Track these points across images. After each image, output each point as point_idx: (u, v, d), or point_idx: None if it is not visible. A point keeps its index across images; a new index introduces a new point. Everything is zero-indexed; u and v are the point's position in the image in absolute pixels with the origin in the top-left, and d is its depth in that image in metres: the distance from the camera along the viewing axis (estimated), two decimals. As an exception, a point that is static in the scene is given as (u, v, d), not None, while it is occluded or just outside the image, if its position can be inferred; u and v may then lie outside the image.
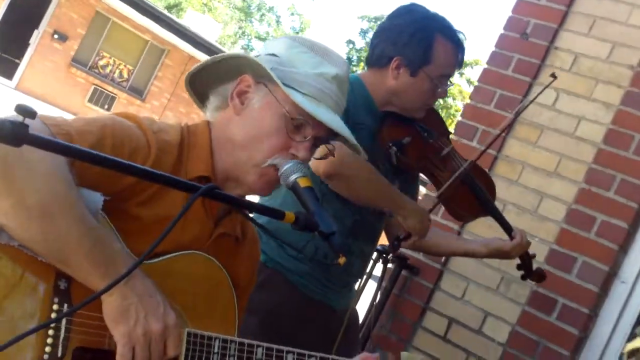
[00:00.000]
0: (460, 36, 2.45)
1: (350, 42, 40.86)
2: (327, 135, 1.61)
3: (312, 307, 2.44)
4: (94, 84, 19.43)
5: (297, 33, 45.93)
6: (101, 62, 19.81)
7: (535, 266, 2.83)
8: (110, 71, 20.05)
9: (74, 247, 1.30)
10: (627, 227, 3.16)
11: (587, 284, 3.16)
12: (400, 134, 2.43)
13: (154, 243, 1.23)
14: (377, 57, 2.44)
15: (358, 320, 2.75)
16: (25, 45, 17.99)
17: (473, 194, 2.56)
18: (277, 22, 46.35)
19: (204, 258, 1.58)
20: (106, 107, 19.78)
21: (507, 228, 2.67)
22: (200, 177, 1.56)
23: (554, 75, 2.63)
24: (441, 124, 2.64)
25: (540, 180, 3.41)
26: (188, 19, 24.85)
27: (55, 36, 18.24)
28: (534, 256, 2.80)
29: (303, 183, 1.51)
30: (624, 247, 3.20)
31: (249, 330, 2.29)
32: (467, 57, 2.66)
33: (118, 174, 1.40)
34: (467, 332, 3.36)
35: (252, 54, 1.62)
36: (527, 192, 3.42)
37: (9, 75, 17.94)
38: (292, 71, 1.57)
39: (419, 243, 2.52)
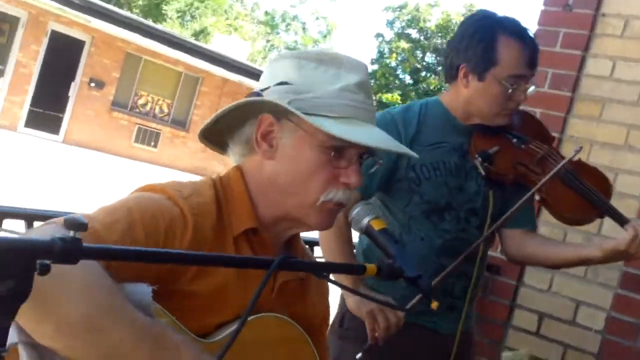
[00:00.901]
0: (528, 33, 2.32)
1: (379, 35, 40.58)
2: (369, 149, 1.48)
3: (415, 333, 2.35)
4: (137, 124, 19.71)
5: (325, 37, 46.01)
6: (140, 101, 20.10)
7: None
8: (151, 108, 20.32)
9: (131, 355, 1.21)
10: None
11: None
12: (488, 144, 2.36)
13: (234, 330, 1.13)
14: (447, 70, 2.40)
15: (471, 344, 2.61)
16: (65, 98, 18.36)
17: (576, 193, 2.37)
18: (304, 29, 46.43)
19: (273, 318, 1.48)
20: (152, 144, 20.04)
21: (622, 223, 2.37)
22: (247, 230, 1.46)
23: (579, 150, 2.38)
24: (538, 128, 2.53)
25: (611, 156, 3.26)
26: (216, 43, 25.04)
27: (92, 84, 18.57)
28: None
29: (377, 225, 1.41)
30: None
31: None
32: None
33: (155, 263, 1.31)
34: (560, 325, 3.22)
35: (261, 86, 1.48)
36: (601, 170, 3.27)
37: (55, 130, 18.33)
38: (312, 97, 1.42)
39: (527, 257, 2.49)
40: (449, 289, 2.40)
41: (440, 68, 40.91)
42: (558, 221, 2.55)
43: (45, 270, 0.92)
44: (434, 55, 40.74)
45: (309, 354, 1.55)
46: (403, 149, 1.53)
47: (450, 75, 2.38)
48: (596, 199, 2.35)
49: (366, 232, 1.43)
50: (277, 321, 1.48)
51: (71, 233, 0.95)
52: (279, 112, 1.43)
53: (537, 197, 2.46)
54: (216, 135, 1.56)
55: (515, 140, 2.42)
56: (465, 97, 2.35)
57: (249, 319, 1.39)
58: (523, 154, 2.41)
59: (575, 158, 2.39)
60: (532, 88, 2.32)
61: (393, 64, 40.61)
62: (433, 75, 40.15)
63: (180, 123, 20.88)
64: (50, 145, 16.99)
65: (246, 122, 1.48)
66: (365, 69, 1.51)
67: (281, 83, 1.43)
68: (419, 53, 40.42)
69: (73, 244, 0.94)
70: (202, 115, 20.93)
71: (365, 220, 1.42)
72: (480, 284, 2.53)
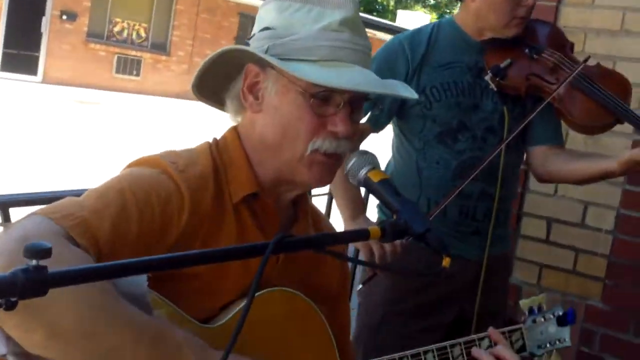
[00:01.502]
0: None
1: None
2: (363, 93, 1.36)
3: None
4: (116, 53, 19.29)
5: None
6: (116, 29, 19.60)
7: None
8: (128, 35, 19.85)
9: (130, 357, 1.12)
10: None
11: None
12: (500, 58, 2.29)
13: (240, 318, 1.03)
14: None
15: (506, 268, 2.60)
16: (37, 35, 17.88)
17: (591, 99, 2.25)
18: None
19: (279, 292, 1.38)
20: (134, 72, 19.67)
21: None
22: (247, 196, 1.37)
23: (588, 58, 2.27)
24: (555, 36, 2.42)
25: (607, 44, 3.05)
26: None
27: (64, 17, 18.06)
28: None
29: (376, 177, 1.29)
30: None
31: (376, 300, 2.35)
32: None
33: (155, 241, 1.22)
34: (570, 229, 3.11)
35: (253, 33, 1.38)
36: (596, 60, 3.06)
37: (32, 70, 17.93)
38: (291, 40, 1.31)
39: (553, 175, 2.41)
40: (470, 212, 2.33)
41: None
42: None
43: (11, 306, 0.84)
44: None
45: (318, 325, 1.45)
46: (390, 89, 1.42)
47: None
48: (612, 103, 2.23)
49: (365, 184, 1.32)
50: (283, 295, 1.39)
51: (33, 262, 0.83)
52: (263, 61, 1.33)
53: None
54: (213, 92, 1.48)
55: (527, 50, 2.33)
56: (474, 10, 2.30)
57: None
58: (536, 65, 2.32)
59: (590, 63, 2.28)
60: None
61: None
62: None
63: (160, 47, 20.42)
64: (29, 87, 16.62)
65: (237, 75, 1.40)
66: (353, 4, 1.37)
67: (264, 29, 1.36)
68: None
69: (37, 275, 0.84)
70: (181, 36, 20.45)
71: (363, 172, 1.31)
72: (506, 205, 2.43)
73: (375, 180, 1.29)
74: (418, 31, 2.38)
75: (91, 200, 1.21)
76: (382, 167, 2.50)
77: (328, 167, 1.37)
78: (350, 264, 2.37)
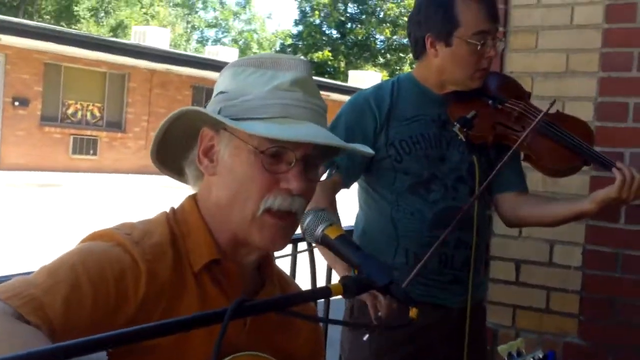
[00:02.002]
0: None
1: (299, -6, 40.15)
2: (319, 150, 1.35)
3: (425, 310, 2.23)
4: (72, 134, 19.20)
5: (244, 7, 45.28)
6: (69, 111, 19.55)
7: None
8: (82, 116, 19.81)
9: None
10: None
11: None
12: (463, 110, 2.34)
13: None
14: (414, 45, 2.41)
15: (482, 315, 2.56)
16: (-10, 123, 17.70)
17: (558, 144, 2.33)
18: (221, 3, 45.66)
19: (247, 356, 1.33)
20: (91, 151, 19.55)
21: (608, 167, 2.27)
22: (209, 263, 1.33)
23: (553, 103, 2.35)
24: (513, 87, 2.52)
25: (555, 85, 3.13)
26: (136, 36, 24.46)
27: (16, 103, 17.96)
28: None
29: (333, 233, 1.27)
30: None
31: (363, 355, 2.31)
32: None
33: (111, 316, 1.19)
34: (539, 268, 3.12)
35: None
36: (546, 102, 3.14)
37: (-12, 158, 17.69)
38: (243, 100, 1.31)
39: (524, 220, 2.46)
40: (449, 260, 2.34)
41: (364, 16, 40.71)
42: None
43: None
44: (356, 5, 40.47)
45: None
46: (342, 143, 1.38)
47: (418, 49, 2.39)
48: (578, 145, 2.31)
49: (322, 242, 1.29)
50: (250, 358, 1.34)
51: None
52: (217, 124, 1.33)
53: (522, 156, 2.43)
54: (172, 161, 1.46)
55: (491, 101, 2.41)
56: (437, 66, 2.35)
57: (223, 362, 1.28)
58: (500, 114, 2.40)
59: (552, 110, 2.36)
60: (501, 44, 2.37)
61: (317, 21, 40.28)
62: (359, 26, 39.93)
63: (115, 125, 20.39)
64: (-14, 174, 16.40)
65: (194, 143, 1.39)
66: (305, 65, 1.38)
67: (219, 93, 1.37)
68: (341, 6, 40.12)
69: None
70: (136, 113, 20.48)
71: (320, 230, 1.28)
72: (482, 252, 2.46)
73: (333, 237, 1.27)
74: (379, 87, 2.43)
75: (42, 278, 1.18)
76: (351, 220, 2.52)
77: (281, 228, 1.33)
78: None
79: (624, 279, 2.95)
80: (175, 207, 1.42)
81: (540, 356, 1.68)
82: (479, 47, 2.28)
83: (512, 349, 1.66)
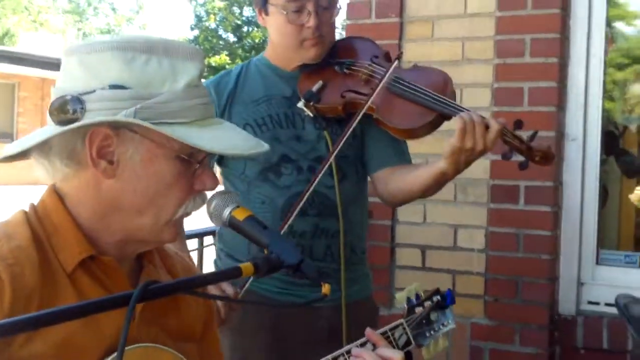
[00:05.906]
0: None
1: None
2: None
3: (285, 311, 2.16)
4: (-41, 148, 18.30)
5: (137, 12, 44.38)
6: (-44, 123, 18.62)
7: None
8: (-30, 128, 18.91)
9: None
10: (556, 86, 3.00)
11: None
12: (312, 82, 2.18)
13: None
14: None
15: (370, 317, 2.30)
16: None
17: (408, 100, 2.09)
18: (113, 9, 44.58)
19: (139, 349, 1.27)
20: (-19, 164, 18.70)
21: (450, 115, 2.04)
22: (84, 260, 1.25)
23: (399, 56, 2.22)
24: (363, 48, 2.29)
25: (451, 73, 3.16)
26: (24, 44, 23.63)
27: None
28: (518, 124, 2.01)
29: (240, 215, 1.27)
30: (561, 105, 3.05)
31: None
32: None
33: None
34: (444, 253, 3.18)
35: (75, 87, 1.24)
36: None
37: None
38: (157, 102, 1.22)
39: (396, 194, 2.19)
40: (306, 252, 2.11)
41: (261, 20, 40.69)
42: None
43: None
44: (251, 8, 40.39)
45: None
46: (266, 146, 1.39)
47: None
48: (430, 99, 2.06)
49: (230, 224, 1.28)
50: (144, 351, 1.28)
51: None
52: (119, 123, 1.22)
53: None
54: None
55: (337, 67, 2.22)
56: (272, 42, 2.23)
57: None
58: (350, 80, 2.20)
59: (398, 65, 2.17)
60: (325, 13, 2.13)
61: (213, 25, 39.90)
62: (256, 29, 39.85)
63: (6, 135, 19.55)
64: None
65: (68, 133, 1.23)
66: (200, 54, 1.33)
67: (114, 87, 1.22)
68: (236, 9, 39.93)
69: None
70: (28, 122, 19.75)
71: (227, 212, 1.28)
72: (353, 240, 2.22)
73: (241, 218, 1.26)
74: (227, 72, 2.29)
75: None
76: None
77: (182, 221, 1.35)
78: None
79: (526, 258, 3.03)
80: (35, 203, 1.32)
81: (439, 298, 1.69)
82: (287, 14, 2.10)
83: (410, 294, 1.66)
